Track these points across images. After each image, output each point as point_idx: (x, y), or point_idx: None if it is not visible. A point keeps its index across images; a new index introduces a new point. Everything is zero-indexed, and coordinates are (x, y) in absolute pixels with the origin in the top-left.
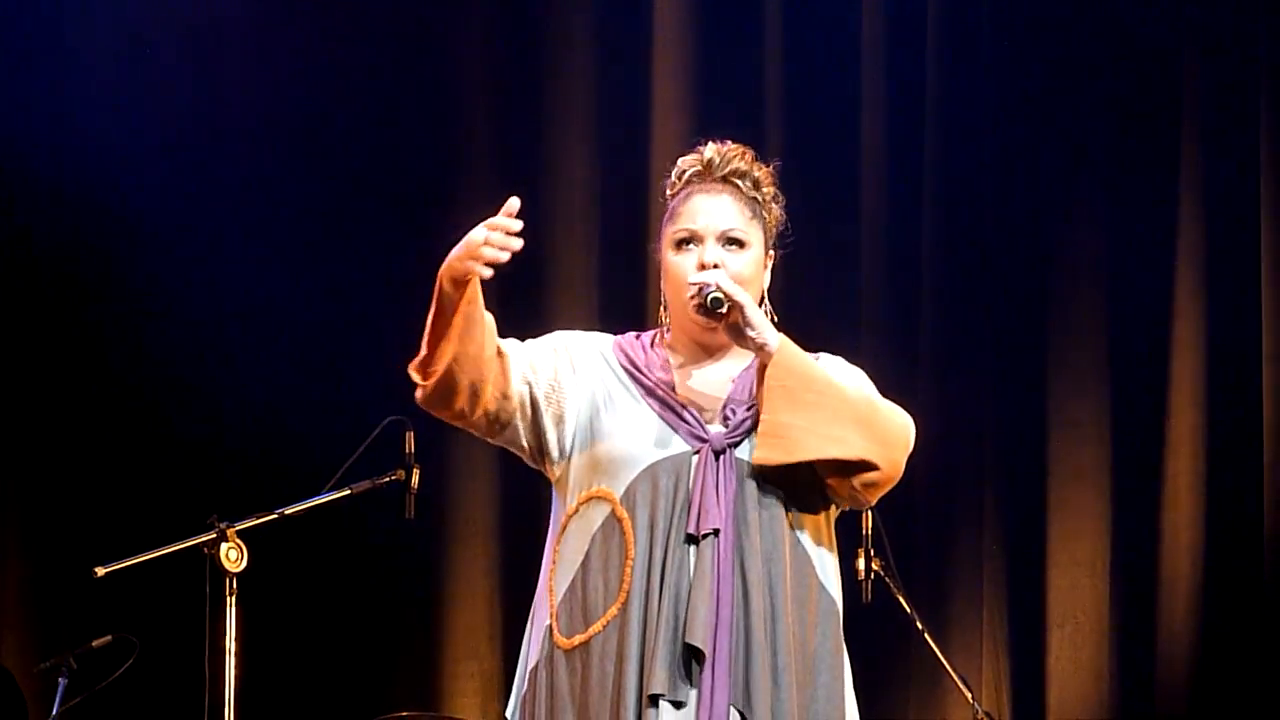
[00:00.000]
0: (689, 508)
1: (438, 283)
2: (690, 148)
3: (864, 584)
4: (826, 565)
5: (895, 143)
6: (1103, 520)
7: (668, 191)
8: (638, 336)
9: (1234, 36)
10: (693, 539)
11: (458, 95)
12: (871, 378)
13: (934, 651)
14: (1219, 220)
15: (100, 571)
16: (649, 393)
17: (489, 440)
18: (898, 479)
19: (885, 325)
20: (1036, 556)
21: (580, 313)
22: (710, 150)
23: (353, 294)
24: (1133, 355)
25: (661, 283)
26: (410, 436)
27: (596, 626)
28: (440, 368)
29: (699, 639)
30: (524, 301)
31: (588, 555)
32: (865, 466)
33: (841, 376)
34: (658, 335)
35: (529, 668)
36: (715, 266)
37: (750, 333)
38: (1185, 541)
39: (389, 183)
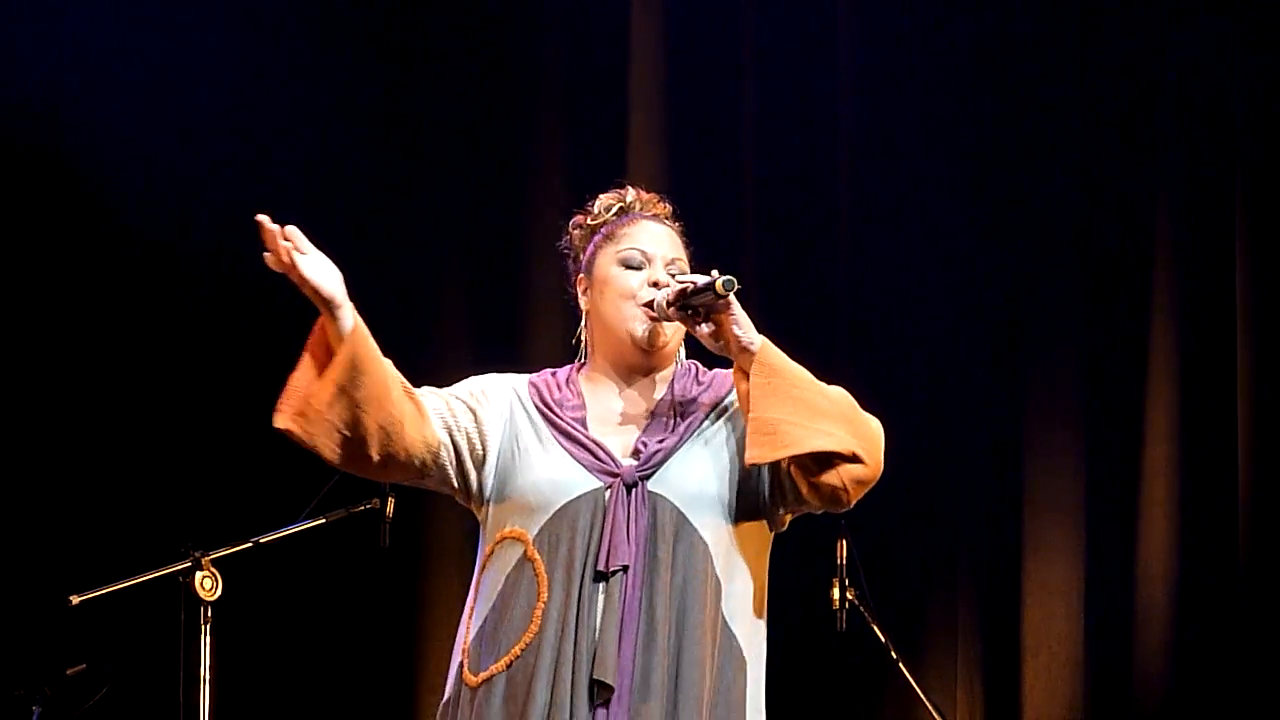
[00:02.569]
0: (600, 544)
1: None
2: (667, 177)
3: (839, 613)
4: (736, 605)
5: (872, 177)
6: (1077, 550)
7: (588, 221)
8: (553, 373)
9: (1209, 110)
10: (602, 575)
11: (436, 126)
12: None
13: (909, 680)
14: (1194, 247)
15: (75, 600)
16: (561, 431)
17: (417, 485)
18: (878, 478)
19: (860, 356)
20: (1011, 586)
21: (555, 342)
22: (631, 194)
23: None
24: (1107, 385)
25: (587, 306)
26: None
27: (500, 665)
28: (333, 414)
29: (609, 675)
30: (500, 329)
31: (500, 594)
32: (854, 460)
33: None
34: (574, 368)
35: (442, 703)
36: (659, 287)
37: (737, 330)
38: (1160, 571)
39: (364, 215)
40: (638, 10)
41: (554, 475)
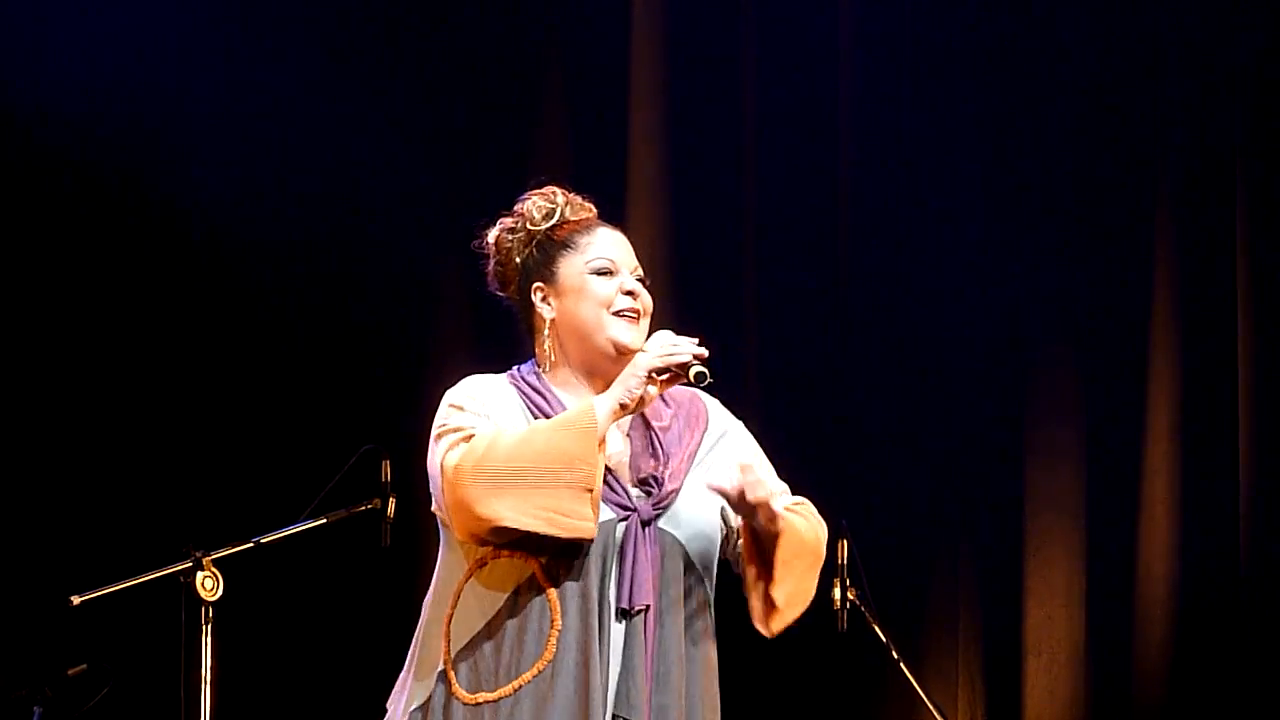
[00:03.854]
0: (620, 581)
1: (619, 399)
2: (667, 177)
3: (840, 613)
4: (716, 642)
5: (873, 177)
6: (1078, 550)
7: (527, 226)
8: (523, 378)
9: (1210, 112)
10: (625, 614)
11: (438, 127)
12: (846, 408)
13: (910, 681)
14: (1195, 245)
15: (76, 600)
16: None
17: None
18: None
19: (860, 356)
20: (1012, 586)
21: None
22: (561, 196)
23: (327, 323)
24: (1108, 384)
25: (552, 315)
26: (386, 464)
27: (505, 690)
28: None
29: (635, 714)
30: (499, 325)
31: (498, 614)
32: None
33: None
34: (533, 373)
35: (411, 707)
36: (633, 294)
37: (771, 524)
38: (1161, 571)
39: (363, 224)
40: (639, 9)
41: None
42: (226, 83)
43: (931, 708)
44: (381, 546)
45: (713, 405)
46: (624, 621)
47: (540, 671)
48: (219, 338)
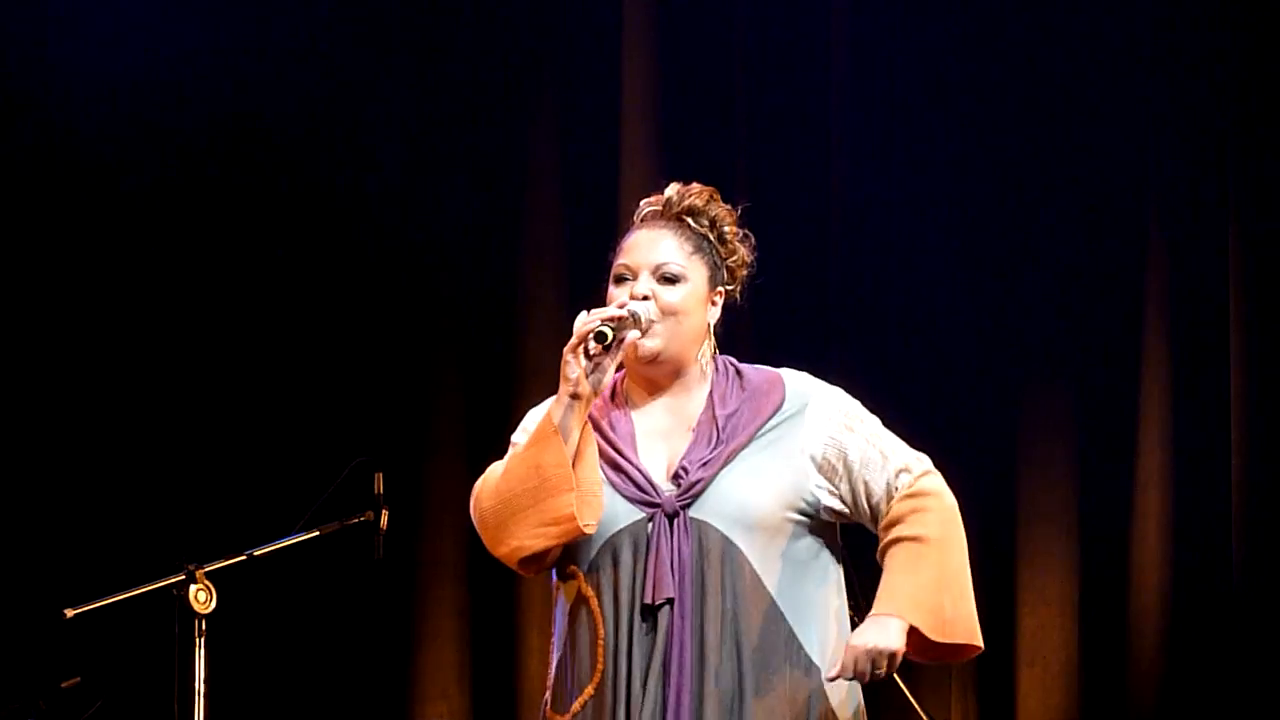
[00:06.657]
0: (645, 577)
1: (547, 424)
2: (657, 191)
3: None
4: (806, 614)
5: (864, 187)
6: (1071, 560)
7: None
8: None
9: (1201, 131)
10: (650, 610)
11: (431, 129)
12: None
13: (903, 691)
14: (1187, 258)
15: (70, 613)
16: (606, 458)
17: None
18: None
19: (852, 366)
20: (1006, 596)
21: (553, 350)
22: (671, 189)
23: (321, 335)
24: (1101, 397)
25: None
26: (379, 477)
27: (575, 706)
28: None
29: (657, 714)
30: (494, 350)
31: (567, 631)
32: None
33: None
34: (622, 377)
35: None
36: (645, 298)
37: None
38: (1153, 581)
39: (355, 239)
40: (629, 20)
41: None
42: (217, 86)
43: (925, 719)
44: (374, 559)
45: (793, 380)
46: (649, 618)
47: (598, 683)
48: (211, 352)
